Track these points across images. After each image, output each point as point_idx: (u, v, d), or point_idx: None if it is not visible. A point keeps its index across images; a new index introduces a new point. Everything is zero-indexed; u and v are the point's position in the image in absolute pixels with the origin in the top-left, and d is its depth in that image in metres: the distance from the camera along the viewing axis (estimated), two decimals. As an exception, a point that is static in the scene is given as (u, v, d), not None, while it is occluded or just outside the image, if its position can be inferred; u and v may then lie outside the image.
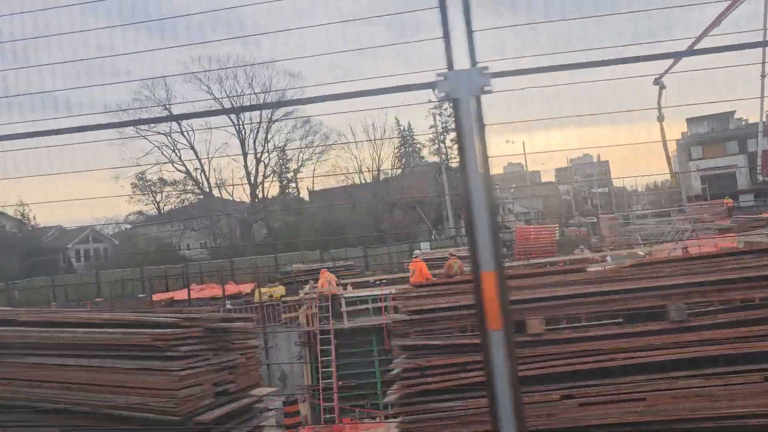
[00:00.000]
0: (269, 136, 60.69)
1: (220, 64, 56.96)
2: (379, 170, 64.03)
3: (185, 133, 58.70)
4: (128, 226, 72.48)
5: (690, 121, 72.55)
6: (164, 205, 72.67)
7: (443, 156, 59.88)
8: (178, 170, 59.39)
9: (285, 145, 60.04)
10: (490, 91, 3.34)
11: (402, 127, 67.50)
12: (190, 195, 61.88)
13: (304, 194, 68.05)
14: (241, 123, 56.72)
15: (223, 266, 38.10)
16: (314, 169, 62.84)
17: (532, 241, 34.71)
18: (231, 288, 34.97)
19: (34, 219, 62.71)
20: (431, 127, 59.94)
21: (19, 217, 61.51)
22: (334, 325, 20.63)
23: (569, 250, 34.91)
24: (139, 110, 49.92)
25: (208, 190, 59.24)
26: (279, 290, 31.38)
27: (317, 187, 67.30)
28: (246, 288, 34.64)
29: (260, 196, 59.91)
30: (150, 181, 68.97)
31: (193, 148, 60.35)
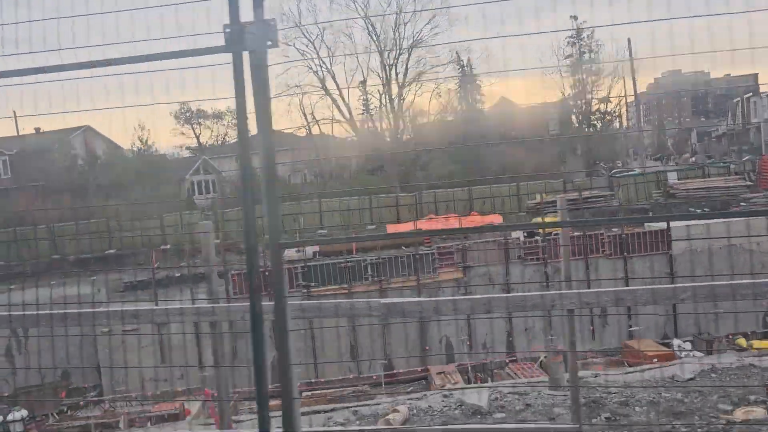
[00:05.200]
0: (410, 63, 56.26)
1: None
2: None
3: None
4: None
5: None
6: (208, 139, 70.95)
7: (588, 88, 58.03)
8: (327, 94, 55.77)
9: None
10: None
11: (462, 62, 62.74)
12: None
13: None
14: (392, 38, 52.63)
15: (456, 195, 36.59)
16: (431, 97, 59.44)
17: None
18: (477, 219, 33.93)
19: (154, 146, 60.70)
20: (567, 57, 58.17)
21: (138, 144, 59.68)
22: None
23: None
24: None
25: (349, 117, 56.72)
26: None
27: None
28: (493, 219, 33.64)
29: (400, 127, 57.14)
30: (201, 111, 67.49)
31: (330, 70, 56.74)
